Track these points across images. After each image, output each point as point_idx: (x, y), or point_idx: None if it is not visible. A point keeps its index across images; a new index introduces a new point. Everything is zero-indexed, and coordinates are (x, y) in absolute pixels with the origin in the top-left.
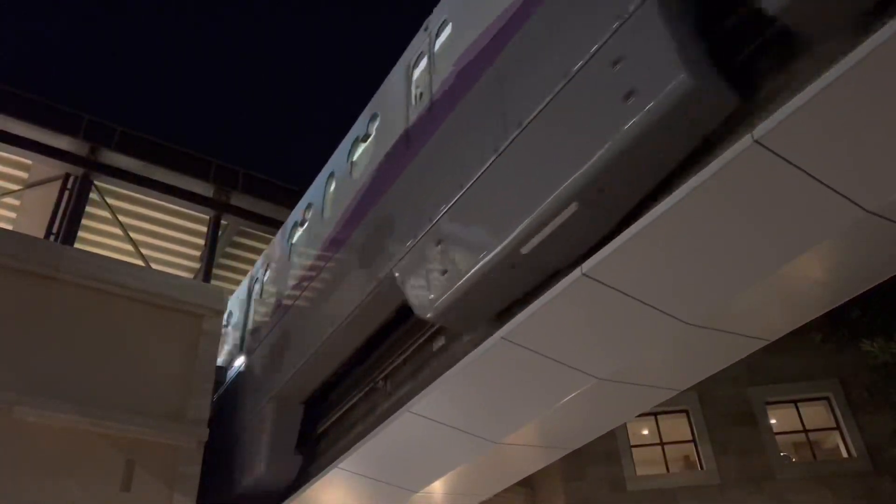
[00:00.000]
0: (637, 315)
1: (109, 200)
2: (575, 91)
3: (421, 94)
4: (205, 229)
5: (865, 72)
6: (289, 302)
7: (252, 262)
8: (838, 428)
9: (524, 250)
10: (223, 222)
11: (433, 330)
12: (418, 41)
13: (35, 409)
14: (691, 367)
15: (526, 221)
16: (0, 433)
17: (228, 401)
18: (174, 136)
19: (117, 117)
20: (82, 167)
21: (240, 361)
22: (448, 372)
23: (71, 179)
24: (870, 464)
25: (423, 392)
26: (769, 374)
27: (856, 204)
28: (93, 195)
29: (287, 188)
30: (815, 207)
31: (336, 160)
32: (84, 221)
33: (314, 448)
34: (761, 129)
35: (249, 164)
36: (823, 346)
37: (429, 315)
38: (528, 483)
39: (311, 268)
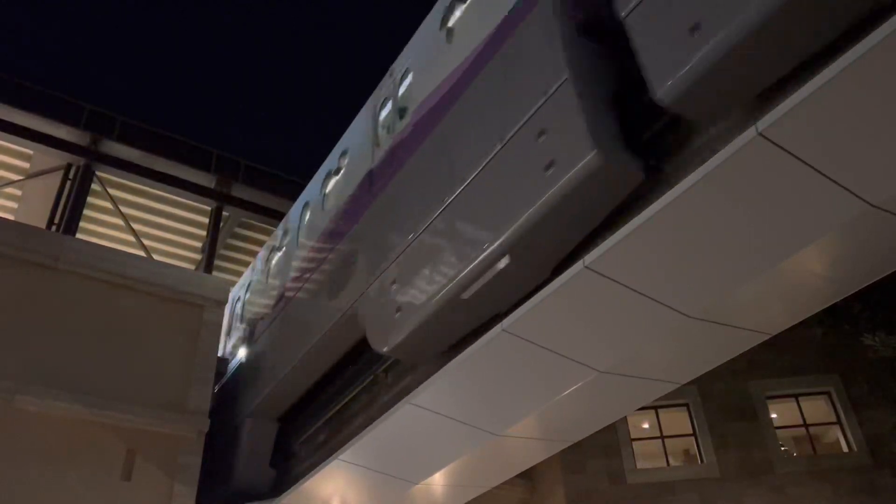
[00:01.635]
0: (639, 308)
1: (111, 191)
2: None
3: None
4: (206, 220)
5: (870, 65)
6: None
7: (253, 254)
8: (839, 422)
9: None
10: (224, 213)
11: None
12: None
13: (36, 398)
14: (692, 361)
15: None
16: (1, 423)
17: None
18: (176, 127)
19: (119, 107)
20: (84, 157)
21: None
22: (449, 364)
23: (72, 169)
24: (870, 458)
25: (424, 384)
26: (770, 368)
27: (859, 198)
28: (94, 185)
29: (288, 180)
30: (819, 201)
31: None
32: (85, 212)
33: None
34: (765, 121)
35: (251, 155)
36: (824, 340)
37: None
38: (528, 475)
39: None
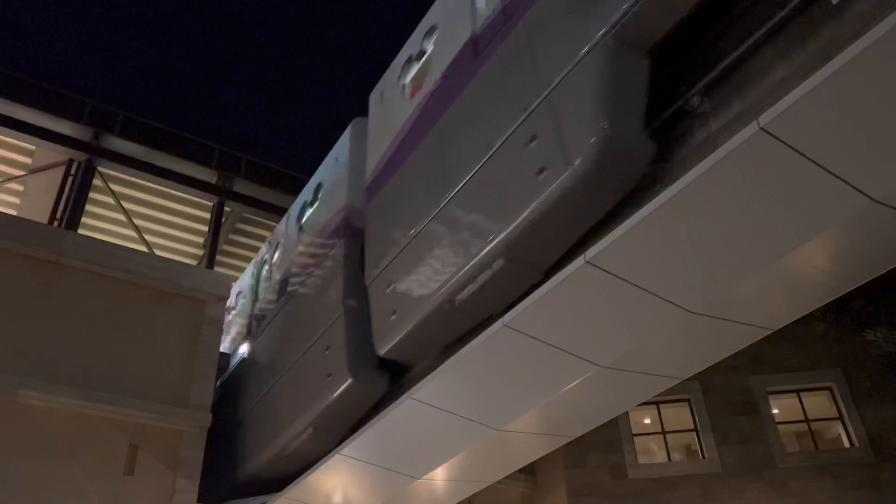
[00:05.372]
0: (640, 303)
1: (113, 186)
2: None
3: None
4: (208, 215)
5: (871, 60)
6: None
7: (255, 249)
8: (840, 418)
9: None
10: (226, 209)
11: None
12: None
13: (39, 393)
14: (693, 356)
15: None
16: (4, 417)
17: None
18: (178, 122)
19: (121, 103)
20: (86, 153)
21: None
22: (450, 359)
23: (74, 165)
24: (871, 453)
25: (425, 379)
26: (772, 363)
27: (861, 192)
28: (96, 181)
29: (290, 175)
30: (820, 196)
31: None
32: (87, 207)
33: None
34: (767, 115)
35: (253, 150)
36: (826, 335)
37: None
38: (529, 470)
39: None
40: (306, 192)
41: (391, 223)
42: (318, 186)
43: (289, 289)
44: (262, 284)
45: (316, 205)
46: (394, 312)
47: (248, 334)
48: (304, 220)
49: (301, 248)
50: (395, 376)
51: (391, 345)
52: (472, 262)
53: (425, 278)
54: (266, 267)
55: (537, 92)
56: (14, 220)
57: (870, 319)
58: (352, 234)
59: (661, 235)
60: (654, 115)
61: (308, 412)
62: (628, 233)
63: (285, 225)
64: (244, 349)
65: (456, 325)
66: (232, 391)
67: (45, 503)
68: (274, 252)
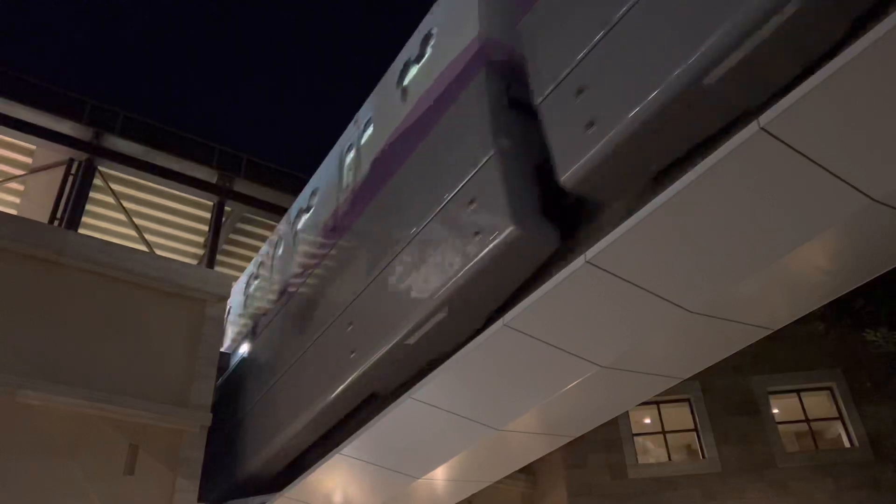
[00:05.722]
0: (640, 303)
1: (113, 186)
2: None
3: None
4: (208, 215)
5: (871, 61)
6: None
7: (256, 249)
8: (840, 417)
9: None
10: (227, 208)
11: None
12: None
13: (39, 392)
14: (694, 356)
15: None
16: (4, 417)
17: None
18: (178, 122)
19: (121, 102)
20: (86, 152)
21: None
22: (450, 359)
23: (75, 165)
24: (871, 453)
25: (425, 379)
26: (772, 363)
27: (861, 192)
28: (97, 180)
29: (290, 174)
30: (820, 196)
31: None
32: (88, 207)
33: None
34: (767, 116)
35: (253, 150)
36: (826, 335)
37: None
38: (529, 470)
39: None
40: (408, 50)
41: (577, 15)
42: (427, 36)
43: (396, 158)
44: (347, 173)
45: (428, 54)
46: (591, 124)
47: (334, 229)
48: (407, 80)
49: (408, 111)
50: (564, 233)
51: (588, 167)
52: (750, 12)
53: (648, 62)
54: (351, 154)
55: None
56: (14, 219)
57: (870, 319)
58: (490, 69)
59: (661, 235)
60: None
61: (447, 285)
62: (628, 233)
63: (376, 97)
64: (334, 242)
65: (686, 133)
66: (283, 329)
67: (45, 503)
68: (363, 131)
